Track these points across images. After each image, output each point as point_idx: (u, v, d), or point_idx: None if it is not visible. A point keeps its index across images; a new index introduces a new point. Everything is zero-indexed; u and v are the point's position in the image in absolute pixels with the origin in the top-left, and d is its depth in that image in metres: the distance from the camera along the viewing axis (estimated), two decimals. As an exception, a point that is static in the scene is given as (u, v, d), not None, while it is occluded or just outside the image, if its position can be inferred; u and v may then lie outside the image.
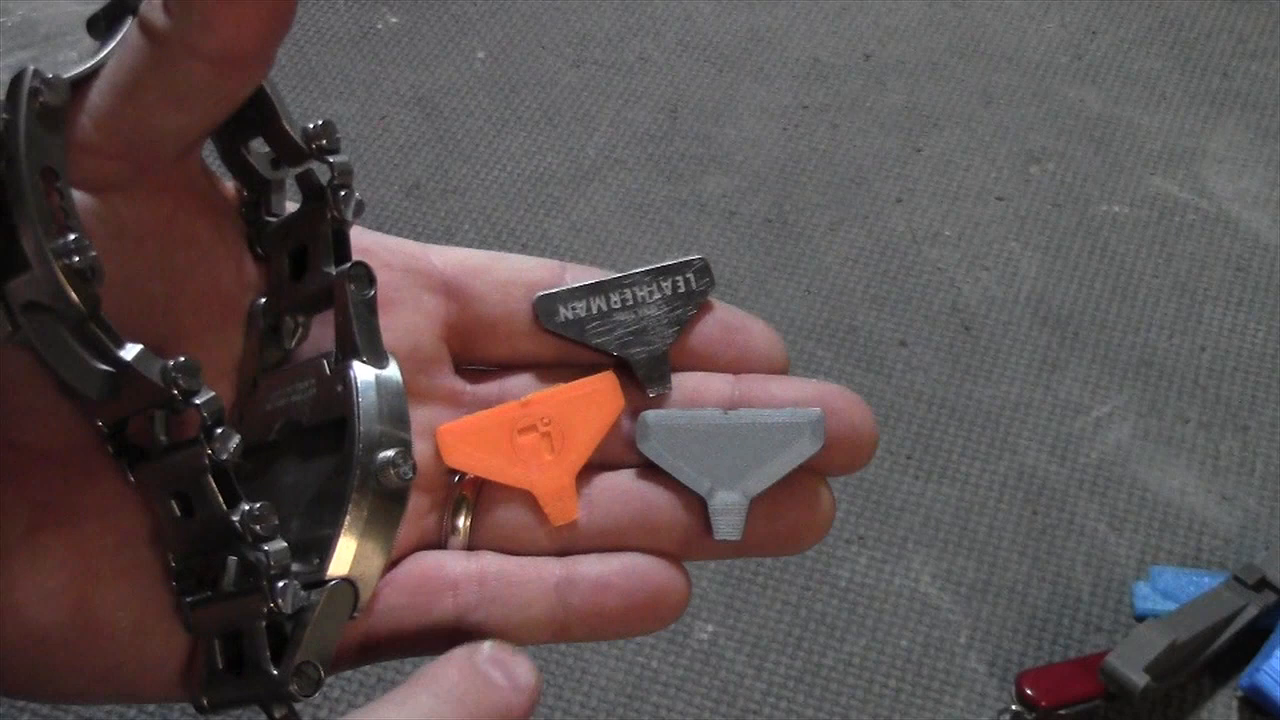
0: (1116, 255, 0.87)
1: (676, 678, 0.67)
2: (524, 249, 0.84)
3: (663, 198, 0.89)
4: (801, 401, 0.30)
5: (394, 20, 1.00)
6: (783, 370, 0.32)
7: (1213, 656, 0.66)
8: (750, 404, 0.31)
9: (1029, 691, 0.65)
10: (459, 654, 0.27)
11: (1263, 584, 0.67)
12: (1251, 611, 0.66)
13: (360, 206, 0.28)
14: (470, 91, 0.95)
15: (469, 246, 0.33)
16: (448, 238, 0.84)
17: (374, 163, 0.90)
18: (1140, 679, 0.62)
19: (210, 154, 0.29)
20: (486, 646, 0.27)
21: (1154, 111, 0.96)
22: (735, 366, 0.32)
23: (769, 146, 0.92)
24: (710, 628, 0.69)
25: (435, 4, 1.01)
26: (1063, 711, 0.64)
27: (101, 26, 0.26)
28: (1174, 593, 0.69)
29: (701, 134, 0.93)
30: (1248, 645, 0.67)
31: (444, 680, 0.26)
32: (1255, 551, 0.72)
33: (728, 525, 0.30)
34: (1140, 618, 0.69)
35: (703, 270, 0.32)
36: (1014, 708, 0.65)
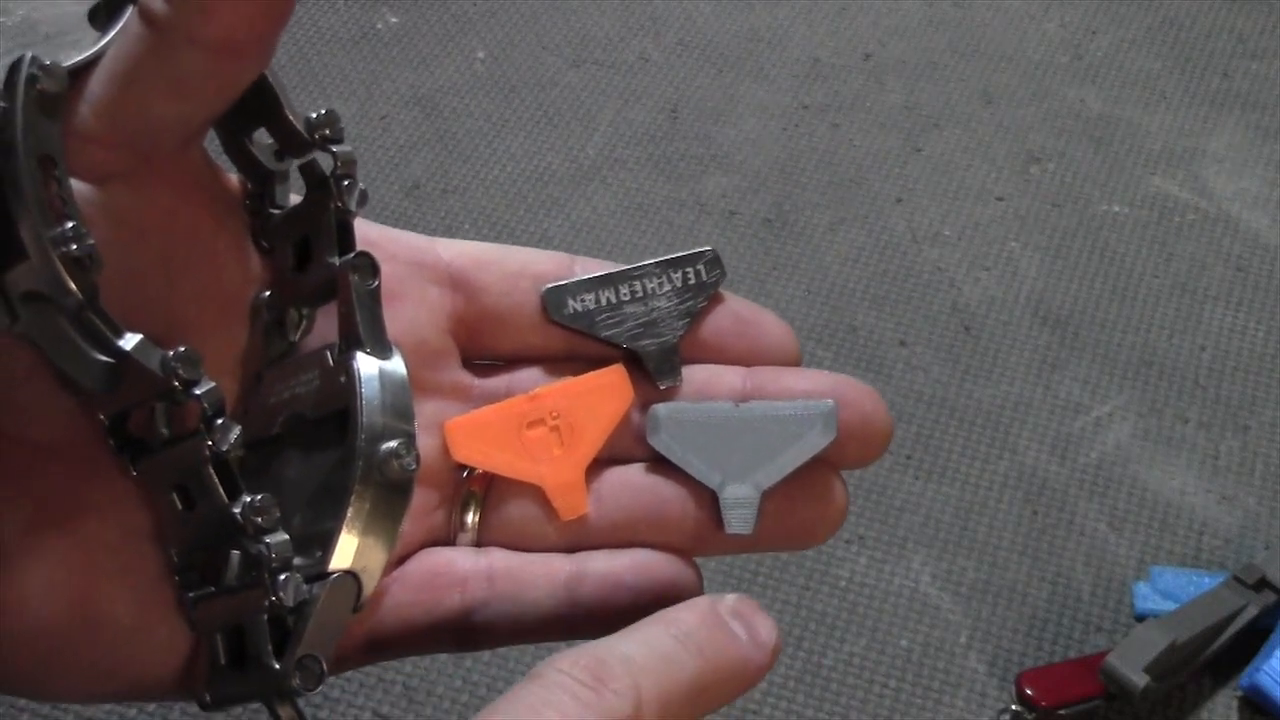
0: (1116, 255, 0.87)
1: (676, 678, 0.67)
2: (524, 249, 0.84)
3: (663, 198, 0.89)
4: (814, 393, 0.30)
5: (394, 20, 1.00)
6: (794, 362, 0.31)
7: (1213, 656, 0.66)
8: (762, 396, 0.30)
9: (1029, 691, 0.64)
10: (701, 602, 0.26)
11: (1263, 584, 0.67)
12: (1251, 611, 0.66)
13: (364, 196, 0.28)
14: (470, 91, 0.95)
15: (471, 245, 0.33)
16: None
17: (374, 163, 0.90)
18: (1140, 679, 0.62)
19: (214, 146, 0.29)
20: (730, 598, 0.26)
21: (1154, 111, 0.96)
22: (746, 359, 0.31)
23: (769, 146, 0.92)
24: (710, 628, 0.68)
25: (435, 4, 1.01)
26: (1063, 711, 0.64)
27: (102, 17, 0.26)
28: (1174, 593, 0.69)
29: (701, 134, 0.93)
30: (1248, 645, 0.67)
31: (684, 624, 0.25)
32: (1255, 551, 0.72)
33: (739, 519, 0.29)
34: (1140, 618, 0.68)
35: (714, 262, 0.32)
36: (1014, 708, 0.65)
